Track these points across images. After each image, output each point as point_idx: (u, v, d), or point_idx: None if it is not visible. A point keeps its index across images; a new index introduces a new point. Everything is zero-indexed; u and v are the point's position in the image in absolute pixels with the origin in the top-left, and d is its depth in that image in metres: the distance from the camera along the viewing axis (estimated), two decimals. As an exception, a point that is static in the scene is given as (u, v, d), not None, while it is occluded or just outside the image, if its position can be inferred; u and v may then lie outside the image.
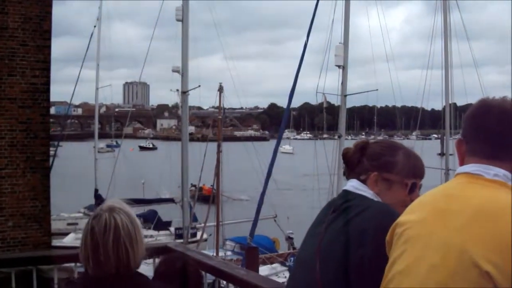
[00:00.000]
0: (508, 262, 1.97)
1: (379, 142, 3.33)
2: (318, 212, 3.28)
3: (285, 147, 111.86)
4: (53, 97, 16.53)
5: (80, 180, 53.12)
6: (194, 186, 39.14)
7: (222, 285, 6.26)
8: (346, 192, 3.15)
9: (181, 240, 28.02)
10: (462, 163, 2.41)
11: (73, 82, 43.81)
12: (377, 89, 31.70)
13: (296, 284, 3.08)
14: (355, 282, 2.79)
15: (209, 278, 5.30)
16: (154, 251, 4.73)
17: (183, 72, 28.55)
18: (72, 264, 8.62)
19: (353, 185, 3.14)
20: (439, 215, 2.24)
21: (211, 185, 47.69)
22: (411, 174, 3.13)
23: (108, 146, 73.73)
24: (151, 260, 5.02)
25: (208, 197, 35.61)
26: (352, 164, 3.18)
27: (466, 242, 2.06)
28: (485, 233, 2.05)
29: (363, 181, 3.14)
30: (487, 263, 1.99)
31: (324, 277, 2.86)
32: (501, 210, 2.10)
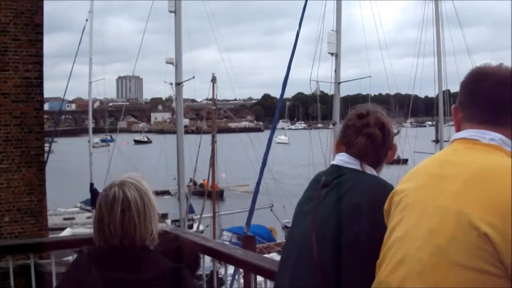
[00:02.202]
0: (505, 223, 1.99)
1: (380, 114, 3.22)
2: (305, 188, 3.27)
3: (280, 137, 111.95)
4: (46, 93, 16.49)
5: (76, 175, 53.11)
6: (194, 182, 39.26)
7: (220, 275, 6.26)
8: (336, 167, 3.12)
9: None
10: (458, 129, 2.45)
11: (67, 77, 43.73)
12: (370, 76, 31.79)
13: (293, 263, 3.03)
14: (352, 258, 2.79)
15: (207, 268, 5.29)
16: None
17: (176, 63, 28.48)
18: (70, 258, 8.63)
19: (343, 159, 3.12)
20: (436, 181, 2.26)
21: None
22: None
23: (102, 140, 73.49)
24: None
25: (209, 192, 35.63)
26: (376, 145, 3.13)
27: (463, 206, 2.09)
28: (482, 196, 2.07)
29: (384, 154, 3.17)
30: (485, 224, 2.01)
31: (322, 255, 2.85)
32: (497, 173, 2.13)
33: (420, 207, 2.26)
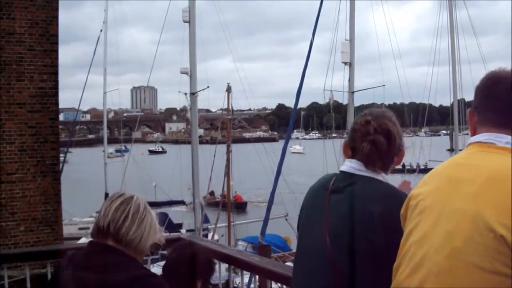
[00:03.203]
0: None
1: (387, 120, 3.17)
2: (309, 193, 3.24)
3: (295, 147, 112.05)
4: (61, 104, 16.56)
5: (91, 185, 53.22)
6: (212, 192, 39.38)
7: (235, 285, 6.25)
8: (347, 174, 3.09)
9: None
10: (473, 133, 2.45)
11: (82, 88, 43.89)
12: (384, 85, 31.65)
13: (309, 271, 3.01)
14: (368, 266, 2.78)
15: (222, 278, 5.28)
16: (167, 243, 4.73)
17: (191, 73, 28.50)
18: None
19: (353, 166, 3.08)
20: (452, 184, 2.27)
21: (235, 192, 47.86)
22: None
23: (117, 151, 73.61)
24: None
25: (241, 204, 35.52)
26: (380, 152, 3.08)
27: (480, 208, 2.09)
28: (498, 198, 2.08)
29: (390, 160, 3.13)
30: (501, 227, 2.02)
31: (339, 264, 2.84)
32: None
33: (437, 210, 2.26)
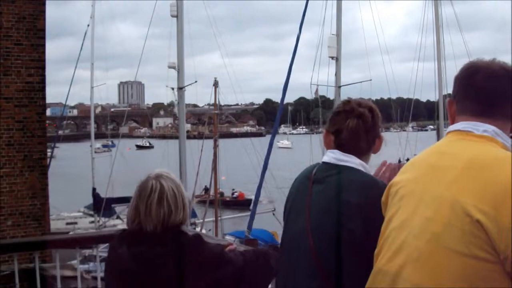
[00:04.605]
0: (497, 211, 2.05)
1: (368, 105, 3.23)
2: (294, 183, 3.29)
3: (283, 142, 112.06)
4: (49, 99, 16.52)
5: (78, 180, 53.08)
6: (206, 189, 39.39)
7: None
8: (328, 165, 3.13)
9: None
10: (452, 122, 2.51)
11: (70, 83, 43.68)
12: (370, 79, 31.84)
13: (293, 263, 3.06)
14: (349, 256, 2.83)
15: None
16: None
17: (179, 68, 28.45)
18: (74, 261, 8.64)
19: (335, 156, 3.12)
20: (431, 171, 2.33)
21: (233, 190, 47.67)
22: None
23: (104, 146, 73.27)
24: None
25: (244, 202, 35.21)
26: (366, 126, 3.14)
27: (457, 194, 2.15)
28: (475, 184, 2.14)
29: (371, 142, 3.17)
30: (478, 212, 2.08)
31: (321, 255, 2.89)
32: (490, 163, 2.20)
33: (417, 197, 2.32)
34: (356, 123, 3.11)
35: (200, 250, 3.17)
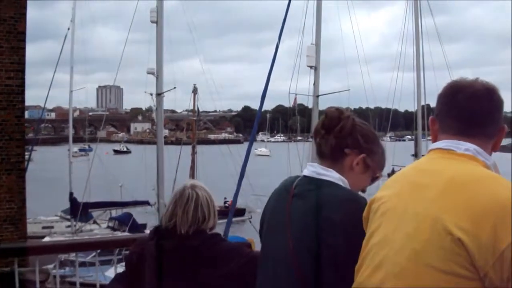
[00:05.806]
0: (478, 229, 2.09)
1: (367, 126, 3.21)
2: (272, 195, 3.24)
3: (261, 149, 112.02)
4: (27, 101, 16.44)
5: (55, 184, 52.74)
6: None
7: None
8: (308, 179, 3.08)
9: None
10: (435, 140, 2.55)
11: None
12: (349, 89, 31.92)
13: (274, 278, 3.01)
14: (331, 272, 2.81)
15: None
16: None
17: (157, 74, 28.44)
18: (50, 266, 8.59)
19: (315, 170, 3.08)
20: (413, 188, 2.36)
21: (225, 199, 47.47)
22: (381, 167, 3.22)
23: (81, 150, 72.90)
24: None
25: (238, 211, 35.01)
26: (341, 132, 3.06)
27: (439, 212, 2.18)
28: (456, 202, 2.17)
29: (342, 155, 3.09)
30: (458, 230, 2.11)
31: (303, 269, 2.87)
32: (471, 181, 2.24)
33: (399, 213, 2.34)
34: (351, 123, 3.10)
35: (217, 244, 3.71)
